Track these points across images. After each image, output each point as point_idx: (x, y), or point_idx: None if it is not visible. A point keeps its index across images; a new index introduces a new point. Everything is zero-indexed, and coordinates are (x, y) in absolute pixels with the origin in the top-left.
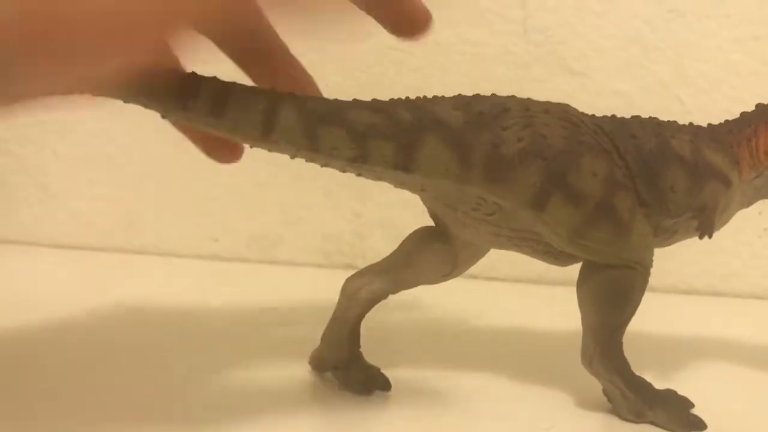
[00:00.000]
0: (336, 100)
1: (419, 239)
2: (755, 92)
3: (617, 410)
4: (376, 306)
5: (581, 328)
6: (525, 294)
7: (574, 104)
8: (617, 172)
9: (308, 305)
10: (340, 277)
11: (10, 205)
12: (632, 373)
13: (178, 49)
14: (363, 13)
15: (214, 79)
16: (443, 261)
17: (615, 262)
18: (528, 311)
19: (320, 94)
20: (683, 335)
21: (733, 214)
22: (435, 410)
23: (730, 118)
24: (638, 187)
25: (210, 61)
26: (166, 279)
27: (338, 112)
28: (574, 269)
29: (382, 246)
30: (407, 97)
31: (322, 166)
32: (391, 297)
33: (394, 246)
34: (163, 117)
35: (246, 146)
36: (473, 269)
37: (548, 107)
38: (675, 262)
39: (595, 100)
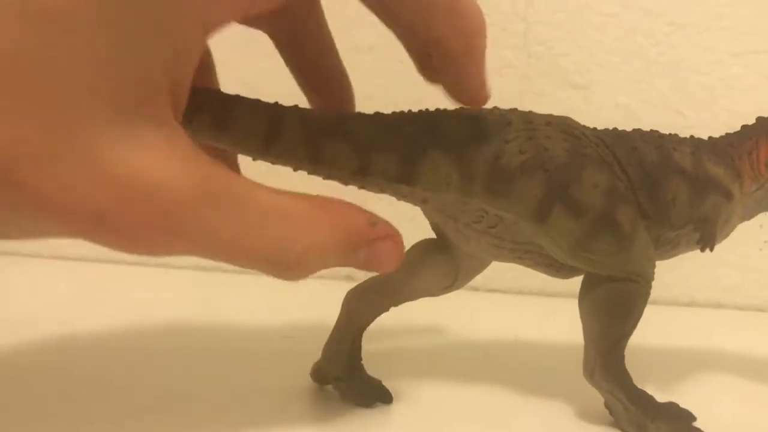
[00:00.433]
0: (339, 113)
1: (421, 252)
2: (756, 105)
3: (619, 423)
4: (378, 318)
5: (583, 340)
6: (526, 306)
7: (575, 117)
8: (619, 185)
9: (309, 317)
10: (340, 290)
11: None
12: (634, 386)
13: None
14: None
15: (218, 92)
16: (445, 273)
17: (617, 274)
18: (529, 323)
19: (353, 97)
20: (685, 348)
21: (734, 226)
22: (436, 422)
23: (730, 131)
24: (640, 199)
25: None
26: (167, 291)
27: (341, 124)
28: (576, 282)
29: None
30: (409, 110)
31: (324, 178)
32: (392, 309)
33: None
34: None
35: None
36: (475, 281)
37: (550, 120)
38: (677, 275)
39: (597, 114)
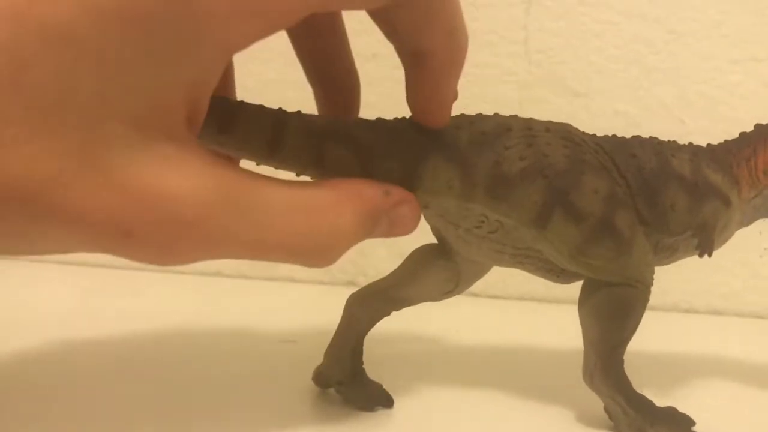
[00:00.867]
0: (342, 118)
1: (422, 256)
2: (755, 112)
3: (619, 427)
4: (379, 322)
5: (583, 345)
6: (527, 312)
7: (575, 124)
8: (618, 190)
9: (311, 322)
10: (342, 295)
11: None
12: (633, 390)
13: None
14: None
15: (223, 98)
16: (446, 278)
17: (616, 279)
18: (530, 329)
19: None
20: (684, 354)
21: (732, 232)
22: (437, 426)
23: (729, 139)
24: (638, 205)
25: None
26: (168, 295)
27: (343, 130)
28: (576, 288)
29: (384, 264)
30: (411, 117)
31: None
32: (393, 314)
33: (396, 264)
34: None
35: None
36: (475, 287)
37: (550, 126)
38: (676, 281)
39: (597, 121)
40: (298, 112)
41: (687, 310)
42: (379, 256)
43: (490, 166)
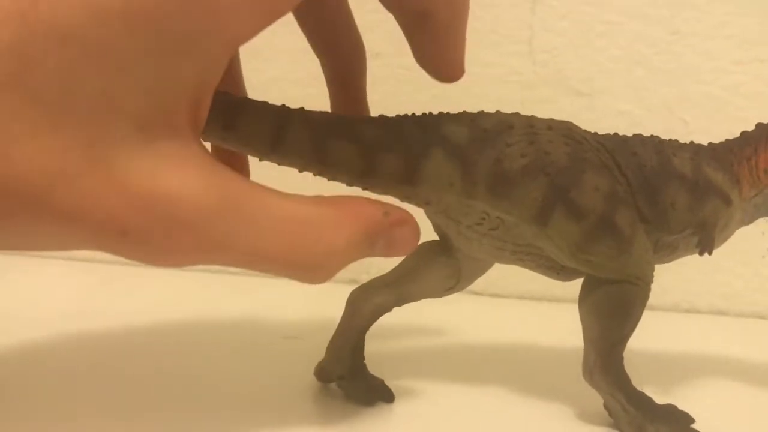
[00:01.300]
0: (344, 115)
1: (424, 253)
2: (759, 113)
3: (618, 424)
4: (381, 319)
5: (583, 343)
6: (528, 311)
7: (578, 124)
8: (619, 188)
9: (313, 319)
10: (344, 293)
11: None
12: (633, 388)
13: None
14: None
15: (227, 94)
16: (447, 275)
17: (616, 276)
18: (530, 327)
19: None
20: (685, 353)
21: (733, 231)
22: (437, 422)
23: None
24: (639, 203)
25: None
26: (172, 291)
27: (347, 126)
28: (576, 287)
29: (386, 263)
30: (413, 113)
31: (329, 179)
32: (395, 310)
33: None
34: None
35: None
36: (477, 286)
37: (551, 124)
38: (677, 281)
39: (600, 121)
40: (301, 109)
41: (688, 310)
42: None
43: (492, 163)
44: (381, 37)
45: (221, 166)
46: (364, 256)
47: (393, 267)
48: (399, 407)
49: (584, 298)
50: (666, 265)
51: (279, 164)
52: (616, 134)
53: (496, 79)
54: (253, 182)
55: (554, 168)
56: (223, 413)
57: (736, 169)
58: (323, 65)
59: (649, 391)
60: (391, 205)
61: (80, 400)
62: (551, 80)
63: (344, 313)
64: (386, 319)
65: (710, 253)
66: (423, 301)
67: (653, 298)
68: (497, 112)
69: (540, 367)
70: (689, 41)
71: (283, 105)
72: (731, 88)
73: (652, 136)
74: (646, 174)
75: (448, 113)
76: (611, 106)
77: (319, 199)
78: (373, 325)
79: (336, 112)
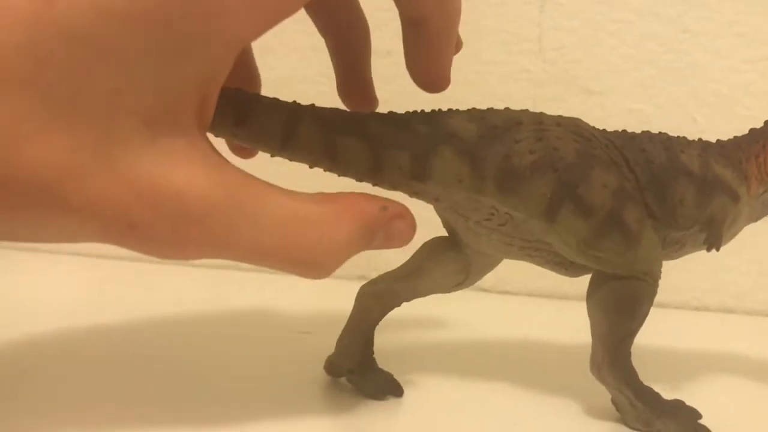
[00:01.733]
0: (354, 111)
1: (433, 249)
2: None
3: (626, 419)
4: (390, 314)
5: (591, 340)
6: (536, 307)
7: (588, 122)
8: (627, 185)
9: (323, 314)
10: (354, 289)
11: None
12: (640, 383)
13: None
14: None
15: (238, 90)
16: (456, 270)
17: (624, 272)
18: (539, 324)
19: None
20: (694, 350)
21: (741, 228)
22: (445, 417)
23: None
24: (647, 199)
25: None
26: (181, 287)
27: (357, 122)
28: (584, 285)
29: (395, 259)
30: (422, 110)
31: (339, 175)
32: (404, 305)
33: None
34: None
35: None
36: (485, 283)
37: (560, 121)
38: (687, 279)
39: (610, 119)
40: (312, 105)
41: (698, 308)
42: (391, 252)
43: (501, 159)
44: (391, 35)
45: (227, 163)
46: (364, 249)
47: (402, 263)
48: (408, 401)
49: (592, 294)
50: (676, 263)
51: (290, 160)
52: (624, 131)
53: (506, 76)
54: (257, 179)
55: (563, 164)
56: (233, 407)
57: (745, 166)
58: (328, 46)
59: (657, 388)
60: (389, 200)
61: (90, 395)
62: (561, 78)
63: (354, 308)
64: (395, 315)
65: (717, 250)
66: (432, 297)
67: (663, 296)
68: (506, 108)
69: (548, 363)
70: (699, 40)
71: (294, 101)
72: (741, 87)
73: (660, 132)
74: (655, 170)
75: (457, 110)
76: (621, 104)
77: (319, 196)
78: (383, 320)
79: (342, 93)
